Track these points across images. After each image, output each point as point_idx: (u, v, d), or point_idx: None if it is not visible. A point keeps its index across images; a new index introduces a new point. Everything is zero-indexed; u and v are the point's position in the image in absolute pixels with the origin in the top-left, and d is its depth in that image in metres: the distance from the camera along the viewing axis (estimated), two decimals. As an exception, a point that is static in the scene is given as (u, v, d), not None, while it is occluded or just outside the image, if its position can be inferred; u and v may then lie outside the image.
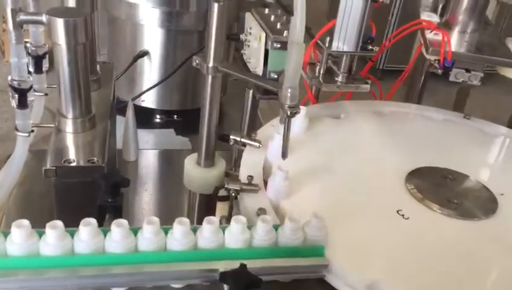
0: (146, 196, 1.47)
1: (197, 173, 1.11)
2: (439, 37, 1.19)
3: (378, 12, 1.18)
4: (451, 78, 1.21)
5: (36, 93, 1.25)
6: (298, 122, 1.21)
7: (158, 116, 2.00)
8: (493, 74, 1.76)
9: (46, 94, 1.26)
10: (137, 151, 1.60)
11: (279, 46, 1.43)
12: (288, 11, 1.56)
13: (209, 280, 0.77)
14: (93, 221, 0.77)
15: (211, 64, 1.01)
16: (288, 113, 0.90)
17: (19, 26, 1.00)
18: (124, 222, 0.77)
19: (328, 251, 0.82)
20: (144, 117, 1.94)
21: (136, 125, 1.65)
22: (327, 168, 1.10)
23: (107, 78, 1.31)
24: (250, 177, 0.98)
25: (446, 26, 1.29)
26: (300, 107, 1.23)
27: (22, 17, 0.99)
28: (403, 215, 0.96)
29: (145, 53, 1.85)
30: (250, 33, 1.56)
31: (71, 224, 0.77)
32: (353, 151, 1.18)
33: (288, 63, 0.88)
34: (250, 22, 1.56)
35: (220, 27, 0.98)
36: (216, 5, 0.96)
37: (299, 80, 1.43)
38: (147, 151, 1.71)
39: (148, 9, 1.80)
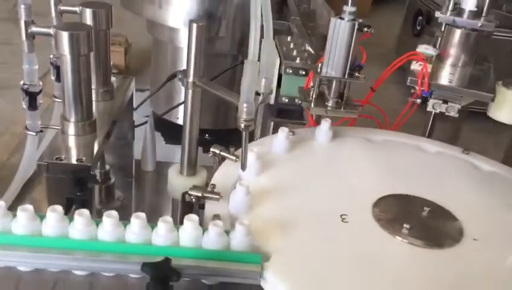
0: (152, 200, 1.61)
1: (178, 181, 1.19)
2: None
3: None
4: (429, 108, 1.21)
5: (56, 100, 1.40)
6: (323, 134, 1.27)
7: (191, 134, 2.11)
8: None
9: (66, 101, 1.40)
10: (155, 162, 1.71)
11: (291, 71, 1.50)
12: (310, 38, 1.62)
13: (134, 271, 0.83)
14: (59, 208, 0.87)
15: (190, 80, 1.09)
16: (242, 126, 0.95)
17: (30, 37, 1.14)
18: (85, 211, 0.87)
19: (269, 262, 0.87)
20: (178, 134, 2.06)
21: (167, 141, 1.77)
22: (303, 183, 1.14)
23: (122, 90, 1.43)
24: (213, 186, 1.04)
25: (439, 59, 1.29)
26: (327, 119, 1.26)
27: (33, 29, 1.14)
28: (343, 219, 0.98)
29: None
30: (268, 58, 1.64)
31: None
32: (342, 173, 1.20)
33: (244, 80, 0.94)
34: (270, 48, 1.63)
35: (199, 46, 1.07)
36: (195, 25, 1.05)
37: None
38: (167, 163, 1.82)
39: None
